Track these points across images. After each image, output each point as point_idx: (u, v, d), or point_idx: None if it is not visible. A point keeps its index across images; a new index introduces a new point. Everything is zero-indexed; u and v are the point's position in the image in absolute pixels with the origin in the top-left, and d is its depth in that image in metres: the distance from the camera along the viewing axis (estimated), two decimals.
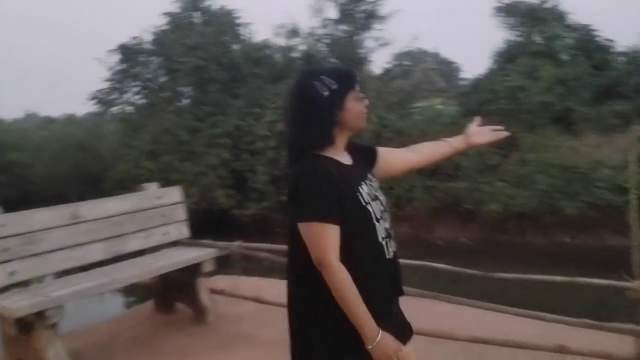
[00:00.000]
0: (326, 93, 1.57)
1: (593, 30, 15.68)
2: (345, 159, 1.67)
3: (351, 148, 1.72)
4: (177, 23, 15.87)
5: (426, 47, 25.31)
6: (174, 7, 16.07)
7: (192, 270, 4.19)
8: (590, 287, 3.19)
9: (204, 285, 4.32)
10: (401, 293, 1.71)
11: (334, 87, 1.58)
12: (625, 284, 2.71)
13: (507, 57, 15.35)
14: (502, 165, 12.01)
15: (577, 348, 2.80)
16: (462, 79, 24.27)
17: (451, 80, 26.43)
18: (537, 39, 15.24)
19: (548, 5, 15.51)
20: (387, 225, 1.66)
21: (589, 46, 15.32)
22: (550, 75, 13.50)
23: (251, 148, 13.99)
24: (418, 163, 1.98)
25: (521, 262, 8.37)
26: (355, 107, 1.63)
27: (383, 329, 1.50)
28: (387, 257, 1.62)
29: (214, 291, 4.47)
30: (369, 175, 1.72)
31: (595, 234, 10.37)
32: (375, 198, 1.65)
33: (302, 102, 1.62)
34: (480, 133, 2.02)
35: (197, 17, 16.24)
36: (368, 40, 14.86)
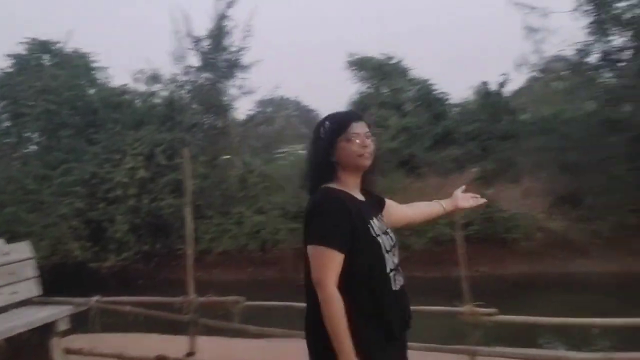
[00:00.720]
0: (323, 136, 1.77)
1: (431, 84, 17.74)
2: (358, 196, 1.81)
3: (365, 192, 1.86)
4: (23, 65, 14.81)
5: (288, 95, 26.38)
6: (20, 49, 15.01)
7: (45, 330, 3.93)
8: (432, 314, 3.54)
9: (59, 346, 4.06)
10: (407, 327, 1.79)
11: (326, 130, 1.78)
12: (457, 309, 3.15)
13: (360, 107, 16.64)
14: None
15: None
16: None
17: (312, 126, 27.74)
18: (385, 91, 16.84)
19: (393, 61, 17.23)
20: (395, 260, 1.77)
21: (429, 98, 17.26)
22: (396, 124, 14.90)
23: (109, 196, 13.29)
24: (413, 219, 2.15)
25: None
26: (346, 147, 1.74)
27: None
28: (394, 288, 1.71)
29: (70, 351, 4.22)
30: (380, 214, 1.86)
31: (442, 266, 11.47)
32: (386, 233, 1.78)
33: (311, 143, 1.84)
34: (464, 198, 2.24)
35: (46, 59, 15.32)
36: (231, 88, 15.20)
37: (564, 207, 11.90)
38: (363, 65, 17.21)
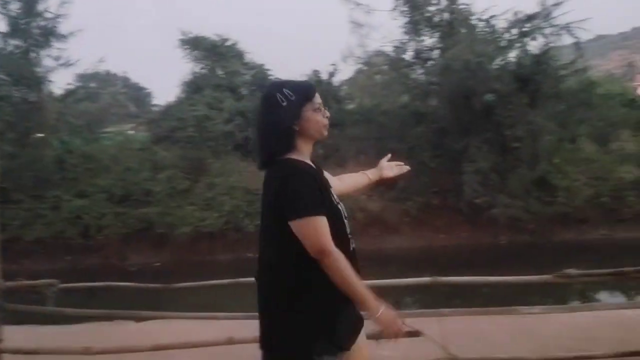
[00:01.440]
0: (284, 103, 1.70)
1: (266, 69, 18.06)
2: (313, 165, 1.81)
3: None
4: None
5: (115, 71, 24.61)
6: None
7: None
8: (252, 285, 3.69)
9: None
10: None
11: (292, 98, 1.71)
12: None
13: (194, 88, 16.29)
14: (192, 189, 12.67)
15: (243, 338, 3.35)
16: (154, 105, 24.43)
17: (143, 105, 26.35)
18: (220, 73, 16.70)
19: (228, 43, 17.13)
20: (349, 222, 1.86)
21: (264, 83, 17.56)
22: (231, 107, 14.92)
23: None
24: (341, 191, 2.10)
25: (210, 277, 9.01)
26: (313, 117, 1.76)
27: (331, 326, 1.68)
28: (351, 248, 1.80)
29: None
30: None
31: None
32: (340, 200, 1.84)
33: (265, 110, 1.76)
34: (389, 167, 2.30)
35: None
36: (46, 58, 13.72)
37: (381, 189, 13.12)
38: (196, 45, 16.81)
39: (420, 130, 13.10)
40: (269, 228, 1.77)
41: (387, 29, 15.99)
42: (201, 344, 3.37)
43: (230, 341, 3.38)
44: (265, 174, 1.81)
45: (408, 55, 14.80)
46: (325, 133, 1.83)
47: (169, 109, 16.55)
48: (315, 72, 17.41)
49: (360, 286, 1.65)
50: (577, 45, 12.47)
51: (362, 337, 1.85)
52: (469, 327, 3.29)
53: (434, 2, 14.24)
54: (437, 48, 14.49)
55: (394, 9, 14.40)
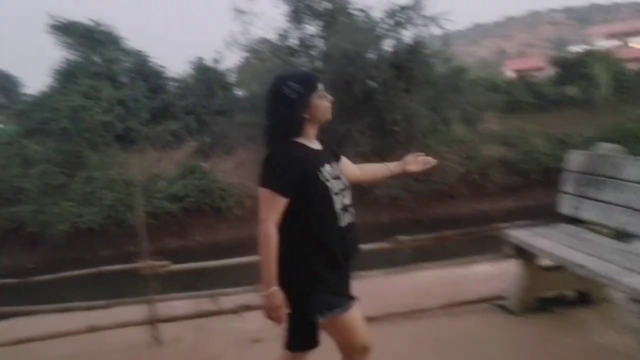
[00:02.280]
0: (294, 96, 1.87)
1: (147, 56, 17.39)
2: (315, 145, 1.98)
3: (323, 141, 2.03)
4: None
5: None
6: None
7: None
8: (114, 274, 3.59)
9: None
10: (351, 256, 2.00)
11: (300, 90, 1.88)
12: (138, 265, 3.37)
13: (67, 76, 15.31)
14: (68, 184, 11.97)
15: (105, 324, 3.32)
16: (24, 95, 22.51)
17: (11, 96, 24.19)
18: (97, 60, 15.82)
19: (103, 28, 16.25)
20: (346, 201, 1.96)
21: (145, 71, 16.91)
22: (110, 96, 14.24)
23: None
24: (359, 179, 2.23)
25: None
26: (320, 104, 1.94)
27: (323, 290, 1.88)
28: (341, 225, 1.92)
29: None
30: (334, 162, 2.03)
31: (159, 237, 11.63)
32: (337, 177, 1.96)
33: (276, 103, 1.91)
34: (415, 162, 2.29)
35: None
36: None
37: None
38: (70, 31, 15.78)
39: None
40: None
41: (270, 17, 16.03)
42: (63, 334, 3.30)
43: (92, 329, 3.35)
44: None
45: (292, 43, 15.04)
46: (329, 116, 2.00)
47: (40, 100, 15.42)
48: (200, 59, 17.12)
49: (270, 264, 1.82)
50: (443, 36, 13.39)
51: (356, 311, 2.02)
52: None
53: None
54: (320, 36, 14.88)
55: None
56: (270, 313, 1.85)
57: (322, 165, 1.93)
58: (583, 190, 3.19)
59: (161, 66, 17.37)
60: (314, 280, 1.88)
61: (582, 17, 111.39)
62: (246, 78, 17.43)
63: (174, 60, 23.60)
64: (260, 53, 15.45)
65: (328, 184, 1.91)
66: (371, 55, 13.23)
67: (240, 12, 14.20)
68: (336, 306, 1.91)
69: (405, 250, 3.26)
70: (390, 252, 3.29)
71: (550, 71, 22.36)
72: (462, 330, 3.01)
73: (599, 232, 3.16)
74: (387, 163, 2.33)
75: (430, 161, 2.32)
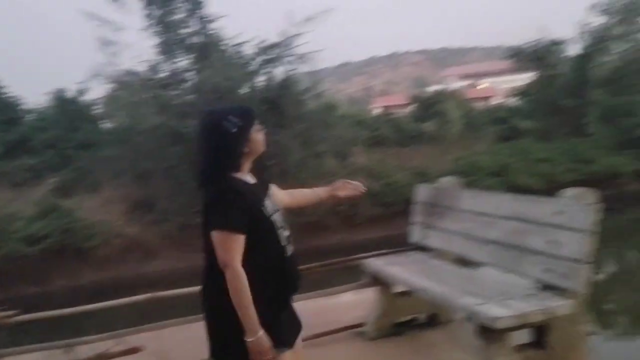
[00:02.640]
0: (234, 130, 1.85)
1: (1, 87, 15.95)
2: (250, 179, 1.96)
3: (252, 171, 2.00)
4: None
5: None
6: None
7: None
8: None
9: None
10: (297, 289, 2.01)
11: (240, 124, 1.87)
12: None
13: None
14: None
15: None
16: None
17: None
18: None
19: None
20: (286, 233, 1.97)
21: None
22: None
23: None
24: (289, 205, 2.21)
25: None
26: (258, 137, 1.95)
27: (272, 327, 1.81)
28: (288, 256, 1.94)
29: None
30: (269, 195, 2.00)
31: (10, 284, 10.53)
32: (277, 211, 1.97)
33: (214, 137, 1.87)
34: (343, 187, 2.34)
35: None
36: None
37: (139, 212, 12.73)
38: None
39: (178, 149, 13.13)
40: (205, 237, 1.88)
41: (140, 48, 15.62)
42: None
43: None
44: (204, 192, 1.92)
45: (163, 76, 14.75)
46: (264, 148, 2.00)
47: None
48: (60, 90, 16.08)
49: (249, 307, 1.77)
50: (313, 73, 14.07)
51: (299, 341, 2.02)
52: (191, 335, 3.49)
53: (186, 24, 14.53)
54: (192, 70, 14.78)
55: (147, 28, 14.23)
56: (263, 357, 1.79)
57: (264, 200, 1.94)
58: (429, 220, 3.57)
59: (16, 97, 16.02)
60: (264, 319, 1.82)
61: (437, 59, 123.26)
62: (113, 110, 16.67)
63: (34, 91, 21.89)
64: (129, 85, 14.92)
65: (272, 218, 1.92)
66: (243, 91, 13.43)
67: (106, 42, 13.65)
68: (284, 344, 1.88)
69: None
70: None
71: (410, 108, 24.32)
72: (327, 358, 3.16)
73: (445, 259, 3.54)
74: (316, 188, 2.37)
75: (360, 187, 2.38)
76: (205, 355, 3.12)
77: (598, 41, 20.85)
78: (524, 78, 23.40)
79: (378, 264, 3.36)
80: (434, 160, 16.24)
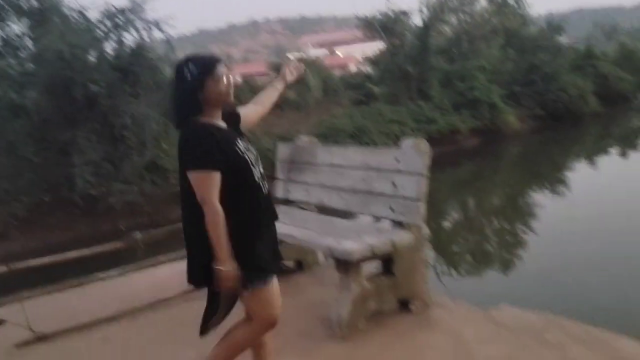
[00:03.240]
0: (189, 77, 1.94)
1: None
2: (222, 124, 2.04)
3: (224, 116, 2.07)
4: None
5: None
6: None
7: None
8: None
9: None
10: (277, 217, 2.17)
11: (196, 72, 1.94)
12: None
13: None
14: None
15: None
16: None
17: None
18: None
19: None
20: (261, 169, 2.07)
21: None
22: None
23: None
24: (264, 112, 2.41)
25: None
26: (214, 88, 1.97)
27: (257, 258, 1.99)
28: (264, 192, 2.06)
29: None
30: (241, 135, 2.10)
31: None
32: (249, 150, 2.04)
33: (176, 83, 2.00)
34: (290, 72, 2.53)
35: None
36: None
37: None
38: None
39: (19, 123, 11.94)
40: (181, 177, 1.96)
41: None
42: None
43: None
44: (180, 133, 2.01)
45: None
46: (228, 99, 2.04)
47: None
48: None
49: (223, 241, 1.87)
50: (168, 40, 13.55)
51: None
52: (56, 304, 3.43)
53: None
54: (29, 36, 13.40)
55: None
56: (230, 285, 1.89)
57: (236, 141, 2.01)
58: (291, 175, 3.85)
59: None
60: (246, 252, 1.93)
61: (294, 27, 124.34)
62: None
63: None
64: None
65: (246, 156, 2.00)
66: (91, 58, 12.53)
67: None
68: (260, 278, 2.00)
69: (140, 248, 3.41)
70: (126, 251, 3.40)
71: (272, 76, 24.51)
72: (199, 309, 3.31)
73: (307, 209, 3.86)
74: (271, 85, 2.50)
75: (300, 66, 2.62)
76: (77, 320, 3.13)
77: (437, 12, 22.73)
78: (376, 47, 24.86)
79: None
80: (297, 125, 16.75)
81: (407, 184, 3.06)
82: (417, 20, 22.88)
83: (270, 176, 2.67)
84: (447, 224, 11.98)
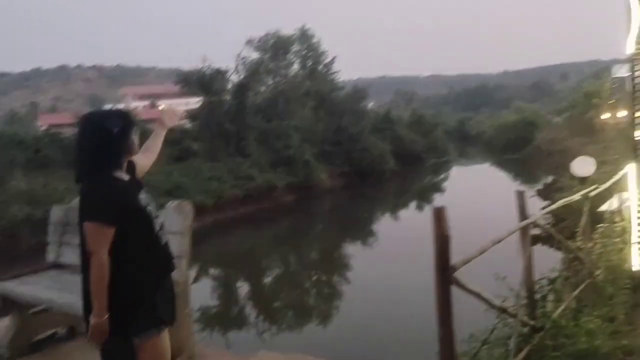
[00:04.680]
0: (116, 130, 2.06)
1: None
2: (125, 177, 2.12)
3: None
4: None
5: None
6: None
7: None
8: None
9: None
10: (174, 268, 2.27)
11: (121, 125, 2.08)
12: None
13: None
14: None
15: None
16: None
17: None
18: None
19: None
20: (160, 220, 2.19)
21: None
22: None
23: None
24: (154, 158, 2.47)
25: None
26: (134, 141, 2.15)
27: (152, 307, 2.06)
28: (162, 243, 2.18)
29: None
30: (142, 188, 2.18)
31: None
32: (149, 202, 2.16)
33: (96, 136, 2.05)
34: (169, 117, 2.54)
35: None
36: None
37: None
38: None
39: None
40: (80, 227, 2.02)
41: None
42: None
43: None
44: (81, 186, 2.08)
45: None
46: (137, 151, 2.19)
47: None
48: None
49: (104, 292, 1.93)
50: None
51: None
52: None
53: None
54: None
55: None
56: (99, 337, 1.97)
57: (139, 193, 2.11)
58: (63, 238, 3.73)
59: None
60: (142, 301, 2.02)
61: (112, 76, 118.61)
62: None
63: None
64: None
65: (148, 209, 2.11)
66: None
67: None
68: (155, 326, 2.05)
69: None
70: None
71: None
72: None
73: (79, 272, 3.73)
74: (154, 133, 2.52)
75: (177, 112, 2.72)
76: None
77: (253, 73, 23.93)
78: (195, 102, 25.07)
79: (8, 285, 3.34)
80: None
81: (172, 242, 3.20)
82: (234, 79, 23.78)
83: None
84: (267, 280, 12.28)
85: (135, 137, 2.15)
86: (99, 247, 1.96)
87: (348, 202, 22.49)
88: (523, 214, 3.53)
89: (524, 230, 3.48)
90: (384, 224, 17.81)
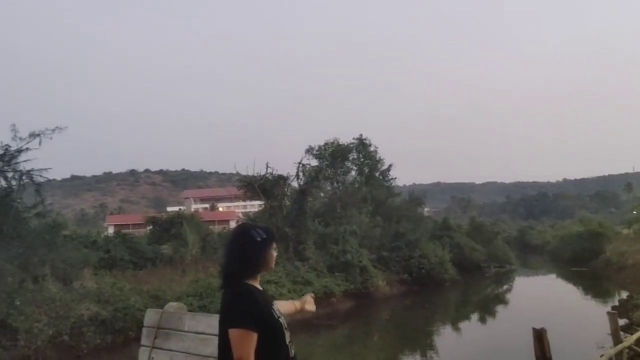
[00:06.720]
0: (259, 239, 2.19)
1: None
2: (260, 288, 2.22)
3: None
4: None
5: None
6: None
7: None
8: None
9: None
10: None
11: (264, 236, 2.21)
12: None
13: None
14: None
15: None
16: None
17: None
18: None
19: None
20: (289, 334, 2.21)
21: None
22: None
23: None
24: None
25: None
26: (273, 254, 2.23)
27: None
28: (291, 355, 2.19)
29: None
30: (274, 301, 2.28)
31: None
32: (282, 314, 2.21)
33: (242, 242, 2.21)
34: (310, 302, 2.69)
35: None
36: None
37: None
38: None
39: None
40: (222, 335, 2.12)
41: None
42: None
43: None
44: (224, 292, 2.19)
45: None
46: (273, 268, 2.31)
47: None
48: None
49: None
50: (38, 190, 13.13)
51: None
52: None
53: None
54: None
55: None
56: None
57: (273, 305, 2.21)
58: (156, 342, 3.86)
59: None
60: None
61: (176, 180, 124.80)
62: None
63: None
64: None
65: (280, 320, 2.18)
66: None
67: None
68: None
69: None
70: None
71: (148, 229, 24.07)
72: None
73: None
74: (293, 300, 2.72)
75: (312, 305, 2.72)
76: None
77: (312, 179, 24.69)
78: (256, 205, 25.89)
79: None
80: (170, 283, 16.21)
81: None
82: (295, 185, 24.55)
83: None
84: None
85: (274, 252, 2.26)
86: (247, 352, 2.02)
87: (407, 311, 21.74)
88: (617, 337, 3.39)
89: (618, 355, 3.33)
90: (444, 336, 16.97)
